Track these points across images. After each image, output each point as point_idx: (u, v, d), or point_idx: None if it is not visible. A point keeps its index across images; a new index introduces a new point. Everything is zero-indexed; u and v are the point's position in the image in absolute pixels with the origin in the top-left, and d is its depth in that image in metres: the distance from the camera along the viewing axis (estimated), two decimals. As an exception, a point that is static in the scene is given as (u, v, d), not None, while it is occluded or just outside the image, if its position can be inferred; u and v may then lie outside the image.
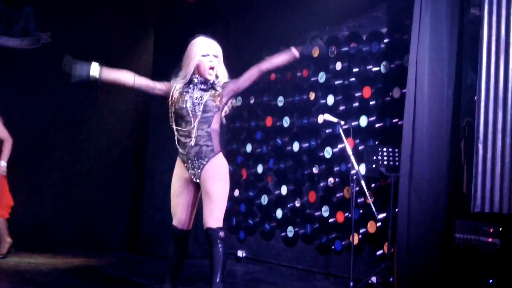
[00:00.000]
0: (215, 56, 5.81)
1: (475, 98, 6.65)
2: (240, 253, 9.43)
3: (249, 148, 9.53)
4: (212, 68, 5.77)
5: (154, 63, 9.99)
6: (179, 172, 5.93)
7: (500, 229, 6.16)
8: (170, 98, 5.85)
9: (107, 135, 10.34)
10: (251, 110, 9.58)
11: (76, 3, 9.92)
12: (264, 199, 9.25)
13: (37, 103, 9.74)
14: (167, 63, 9.55)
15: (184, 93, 5.77)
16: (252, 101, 9.58)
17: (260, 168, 9.35)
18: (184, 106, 5.72)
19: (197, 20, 9.55)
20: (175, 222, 6.03)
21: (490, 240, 6.18)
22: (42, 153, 9.81)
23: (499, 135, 6.42)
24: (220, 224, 5.76)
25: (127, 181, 10.53)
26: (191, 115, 5.72)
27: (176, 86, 5.83)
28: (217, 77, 5.85)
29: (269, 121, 9.29)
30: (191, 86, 5.78)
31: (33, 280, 7.46)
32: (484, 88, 6.54)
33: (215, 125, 5.79)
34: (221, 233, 5.73)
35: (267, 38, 9.43)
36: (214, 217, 5.73)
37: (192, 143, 5.71)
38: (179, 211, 5.98)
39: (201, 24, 9.41)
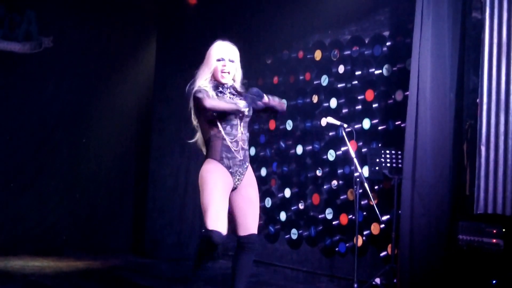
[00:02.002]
0: (231, 61, 5.49)
1: (477, 101, 6.69)
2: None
3: (252, 151, 9.56)
4: (225, 72, 5.45)
5: (156, 67, 10.02)
6: (224, 177, 5.35)
7: (503, 230, 6.19)
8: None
9: (110, 138, 10.37)
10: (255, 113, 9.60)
11: (78, 8, 9.94)
12: (268, 202, 9.28)
13: (39, 107, 9.77)
14: (169, 68, 9.66)
15: (224, 95, 5.44)
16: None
17: (263, 171, 9.39)
18: None
19: (199, 25, 9.61)
20: (219, 227, 5.19)
21: (493, 241, 6.21)
22: (46, 156, 9.85)
23: (502, 138, 6.46)
24: None
25: (131, 183, 10.56)
26: (238, 118, 5.39)
27: (209, 92, 5.34)
28: (233, 81, 5.55)
29: (272, 124, 9.33)
30: (219, 90, 5.44)
31: (38, 283, 7.51)
32: (486, 91, 6.58)
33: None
34: None
35: (270, 42, 9.48)
36: (257, 224, 5.49)
37: (239, 147, 5.40)
38: (224, 216, 5.27)
39: (203, 29, 9.47)
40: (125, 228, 10.42)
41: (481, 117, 6.61)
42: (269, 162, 9.33)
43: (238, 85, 5.58)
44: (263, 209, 9.36)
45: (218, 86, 5.45)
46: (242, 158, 5.40)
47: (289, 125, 9.07)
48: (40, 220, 9.72)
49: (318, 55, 8.81)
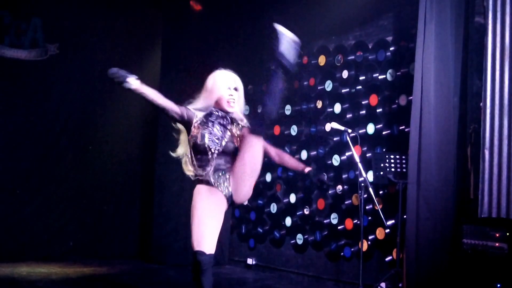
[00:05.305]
0: (236, 90, 5.56)
1: (481, 104, 6.71)
2: (250, 261, 9.48)
3: (257, 156, 9.58)
4: (232, 102, 5.50)
5: (162, 73, 10.04)
6: (209, 193, 5.39)
7: (507, 234, 6.20)
8: (191, 129, 5.44)
9: (115, 145, 10.40)
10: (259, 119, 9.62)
11: (83, 15, 9.98)
12: (274, 207, 9.30)
13: (45, 114, 9.80)
14: (174, 74, 9.68)
15: (203, 127, 5.42)
16: (259, 110, 9.58)
17: (269, 177, 9.40)
18: (203, 142, 5.38)
19: (204, 32, 9.63)
20: (203, 247, 5.22)
21: (497, 245, 6.21)
22: (53, 163, 9.88)
23: (505, 141, 6.48)
24: None
25: (137, 190, 10.57)
26: (208, 151, 5.39)
27: (197, 117, 5.43)
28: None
29: (277, 130, 9.35)
30: (210, 119, 5.45)
31: (44, 289, 7.57)
32: (489, 95, 6.60)
33: (232, 154, 5.48)
34: None
35: (274, 48, 9.49)
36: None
37: (211, 170, 5.39)
38: (208, 233, 5.27)
39: (208, 36, 9.50)
40: (132, 234, 10.44)
41: (484, 121, 6.64)
42: (274, 167, 9.34)
43: (240, 113, 5.61)
44: (268, 214, 9.39)
45: (210, 114, 5.47)
46: (219, 174, 5.41)
47: (293, 130, 9.10)
48: (47, 226, 9.74)
49: (322, 60, 8.84)
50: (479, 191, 6.63)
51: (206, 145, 5.39)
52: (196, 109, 5.47)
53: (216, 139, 5.43)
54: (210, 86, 5.53)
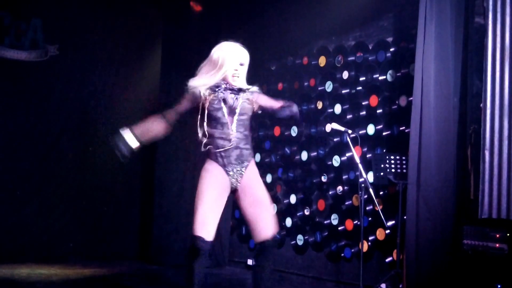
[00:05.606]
0: (242, 64, 5.54)
1: (481, 105, 6.70)
2: (251, 262, 9.46)
3: (257, 157, 9.55)
4: (236, 76, 5.47)
5: (162, 73, 10.04)
6: (217, 177, 5.37)
7: (508, 234, 6.19)
8: (200, 102, 5.41)
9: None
10: (259, 120, 9.62)
11: (83, 16, 9.96)
12: (274, 208, 9.29)
13: (45, 115, 9.77)
14: (174, 74, 9.67)
15: (215, 94, 5.39)
16: (260, 111, 9.60)
17: (269, 178, 9.38)
18: (220, 106, 5.38)
19: (204, 32, 9.62)
20: (204, 234, 5.20)
21: (497, 245, 6.21)
22: (52, 164, 9.85)
23: (505, 142, 6.47)
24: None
25: (137, 191, 10.56)
26: (227, 116, 5.39)
27: (201, 90, 5.41)
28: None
29: (277, 131, 9.35)
30: (218, 89, 5.42)
31: (44, 291, 7.55)
32: (489, 96, 6.59)
33: (249, 128, 5.55)
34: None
35: (274, 49, 9.50)
36: (270, 224, 5.51)
37: (233, 146, 5.37)
38: (212, 220, 5.27)
39: (208, 36, 9.48)
40: (132, 235, 10.42)
41: (484, 122, 6.63)
42: (274, 168, 9.34)
43: (243, 82, 5.56)
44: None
45: (217, 86, 5.45)
46: (236, 157, 5.40)
47: (294, 131, 9.09)
48: (47, 228, 9.71)
49: (322, 61, 8.82)
50: (479, 191, 6.62)
51: (223, 109, 5.38)
52: (200, 85, 5.43)
53: (231, 101, 5.42)
54: (219, 62, 5.48)
